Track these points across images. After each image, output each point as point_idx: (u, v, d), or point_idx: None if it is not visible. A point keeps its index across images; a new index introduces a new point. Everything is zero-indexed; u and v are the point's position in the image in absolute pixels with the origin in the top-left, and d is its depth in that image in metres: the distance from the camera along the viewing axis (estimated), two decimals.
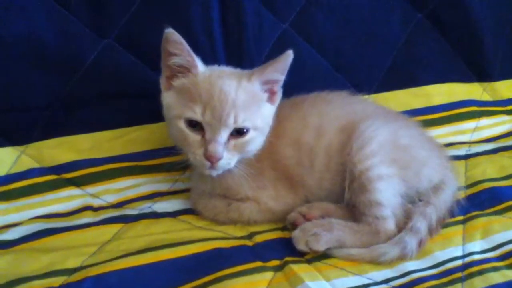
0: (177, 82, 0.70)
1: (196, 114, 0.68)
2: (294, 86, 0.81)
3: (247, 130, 0.70)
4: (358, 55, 1.01)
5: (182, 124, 0.69)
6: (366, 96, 0.89)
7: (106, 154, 0.84)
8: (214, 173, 0.70)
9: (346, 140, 0.76)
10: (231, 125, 0.68)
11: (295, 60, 0.94)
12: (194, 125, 0.69)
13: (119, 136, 0.85)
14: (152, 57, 0.84)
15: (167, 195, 0.82)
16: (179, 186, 0.84)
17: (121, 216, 0.77)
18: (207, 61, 0.77)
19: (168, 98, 0.71)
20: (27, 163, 0.80)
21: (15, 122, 0.81)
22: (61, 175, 0.81)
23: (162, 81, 0.72)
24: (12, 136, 0.80)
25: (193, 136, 0.70)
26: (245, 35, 0.90)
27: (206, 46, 0.88)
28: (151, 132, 0.85)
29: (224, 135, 0.69)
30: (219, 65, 0.77)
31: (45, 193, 0.79)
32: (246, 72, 0.71)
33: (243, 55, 0.91)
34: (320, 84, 0.86)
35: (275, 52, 0.92)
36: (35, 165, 0.80)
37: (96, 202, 0.80)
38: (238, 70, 0.74)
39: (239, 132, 0.70)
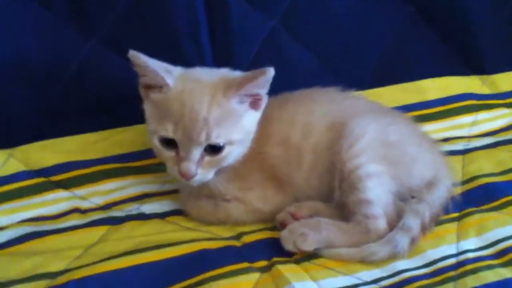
0: (152, 95, 0.69)
1: (168, 132, 0.67)
2: (283, 85, 0.79)
3: (222, 147, 0.68)
4: (349, 50, 0.99)
5: (156, 141, 0.69)
6: (358, 93, 0.87)
7: (93, 156, 0.83)
8: (193, 184, 0.70)
9: (335, 138, 0.75)
10: (203, 142, 0.67)
11: (284, 58, 0.95)
12: (168, 142, 0.68)
13: (106, 138, 0.84)
14: None
15: (155, 196, 0.81)
16: (168, 187, 0.83)
17: (108, 218, 0.76)
18: (193, 63, 0.76)
19: (146, 108, 0.71)
20: (14, 166, 0.80)
21: (3, 126, 0.80)
22: (49, 178, 0.80)
23: (141, 90, 0.71)
24: (0, 140, 0.80)
25: (167, 153, 0.69)
26: (232, 34, 0.89)
27: (192, 48, 0.87)
28: (138, 133, 0.84)
29: (196, 153, 0.67)
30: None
31: (33, 195, 0.78)
32: (223, 83, 0.68)
33: (231, 55, 0.90)
34: (310, 81, 0.84)
35: (264, 51, 0.92)
36: (23, 168, 0.80)
37: (84, 205, 0.79)
38: (220, 73, 0.72)
39: (213, 149, 0.68)
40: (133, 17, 0.83)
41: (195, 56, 0.86)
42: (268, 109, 0.75)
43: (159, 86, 0.68)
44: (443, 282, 0.66)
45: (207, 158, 0.68)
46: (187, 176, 0.67)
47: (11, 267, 0.66)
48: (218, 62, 0.86)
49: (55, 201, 0.78)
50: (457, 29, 1.04)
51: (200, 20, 0.86)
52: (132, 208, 0.79)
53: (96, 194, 0.81)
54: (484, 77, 1.08)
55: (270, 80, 0.68)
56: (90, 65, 0.82)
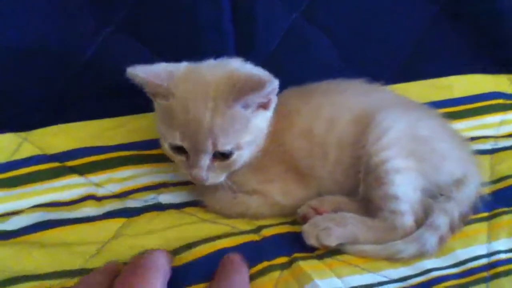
0: (158, 102, 0.68)
1: (176, 140, 0.66)
2: (306, 76, 0.78)
3: (231, 153, 0.67)
4: (374, 44, 0.96)
5: (167, 146, 0.68)
6: (384, 86, 0.84)
7: (108, 143, 0.81)
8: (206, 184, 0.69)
9: (361, 131, 0.72)
10: (210, 150, 0.65)
11: (305, 52, 0.92)
12: (178, 147, 0.67)
13: (121, 125, 0.83)
14: (157, 43, 0.82)
15: (172, 186, 0.78)
16: (184, 176, 0.78)
17: (125, 209, 0.74)
18: (214, 50, 0.74)
19: (156, 109, 0.70)
20: (29, 150, 0.78)
21: (16, 109, 0.79)
22: (64, 163, 0.78)
23: (148, 94, 0.69)
24: (13, 123, 0.78)
25: (178, 158, 0.68)
26: (256, 25, 0.87)
27: (214, 37, 0.84)
28: (151, 121, 0.81)
29: (205, 160, 0.66)
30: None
31: (47, 180, 0.76)
32: (225, 88, 0.65)
33: (253, 46, 0.87)
34: (333, 74, 0.82)
35: (285, 42, 0.90)
36: (37, 152, 0.78)
37: (99, 192, 0.76)
38: (228, 69, 0.68)
39: (223, 155, 0.67)
40: (152, 2, 0.81)
41: (216, 44, 0.84)
42: (291, 100, 0.73)
43: (162, 94, 0.67)
44: (475, 282, 0.63)
45: (217, 163, 0.67)
46: (198, 181, 0.67)
47: (22, 260, 0.63)
48: (239, 51, 0.84)
49: (70, 187, 0.76)
50: (487, 25, 1.01)
51: (224, 7, 0.84)
52: (149, 198, 0.76)
53: (112, 181, 0.78)
54: None
55: (276, 90, 0.66)
56: (107, 50, 0.80)
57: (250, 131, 0.68)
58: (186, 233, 0.68)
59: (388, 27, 0.97)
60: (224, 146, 0.65)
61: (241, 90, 0.65)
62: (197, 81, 0.67)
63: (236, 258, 0.59)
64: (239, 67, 0.70)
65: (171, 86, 0.65)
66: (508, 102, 1.02)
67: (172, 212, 0.73)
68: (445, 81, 1.00)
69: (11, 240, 0.67)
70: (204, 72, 0.68)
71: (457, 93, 1.00)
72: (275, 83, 0.65)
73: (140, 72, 0.65)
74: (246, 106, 0.66)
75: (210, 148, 0.65)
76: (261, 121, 0.70)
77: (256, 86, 0.65)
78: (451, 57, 1.02)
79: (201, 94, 0.65)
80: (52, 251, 0.64)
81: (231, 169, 0.69)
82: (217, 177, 0.69)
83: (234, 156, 0.67)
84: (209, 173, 0.67)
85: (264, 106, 0.69)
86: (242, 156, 0.68)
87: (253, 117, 0.68)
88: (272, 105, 0.70)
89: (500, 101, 1.01)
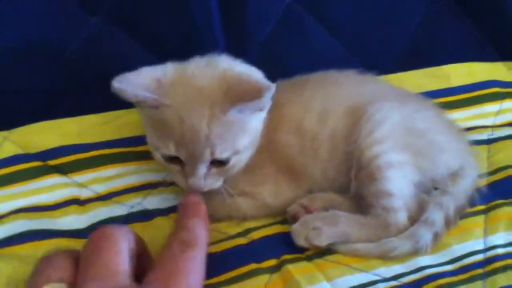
0: (147, 111, 0.64)
1: (171, 150, 0.63)
2: (302, 66, 0.76)
3: (228, 159, 0.64)
4: (372, 33, 0.94)
5: (159, 157, 0.65)
6: (380, 77, 0.82)
7: (94, 139, 0.78)
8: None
9: (353, 125, 0.70)
10: (207, 159, 0.63)
11: (301, 39, 0.89)
12: (172, 157, 0.64)
13: (109, 121, 0.80)
14: (146, 36, 0.80)
15: (159, 187, 0.76)
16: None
17: (110, 219, 0.71)
18: (204, 42, 0.72)
19: (142, 117, 0.66)
20: (10, 149, 0.75)
21: (1, 107, 0.76)
22: (46, 162, 0.75)
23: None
24: None
25: (173, 167, 0.65)
26: (247, 9, 0.84)
27: (204, 25, 0.82)
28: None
29: (202, 168, 0.63)
30: (215, 48, 0.70)
31: (29, 180, 0.73)
32: (220, 93, 0.62)
33: (244, 34, 0.85)
34: (331, 63, 0.79)
35: (278, 30, 0.87)
36: (19, 151, 0.75)
37: (83, 193, 0.73)
38: (218, 70, 0.65)
39: (220, 162, 0.64)
40: None
41: (205, 31, 0.82)
42: (281, 93, 0.69)
43: (154, 105, 0.63)
44: (471, 279, 0.61)
45: (215, 169, 0.65)
46: (195, 190, 0.64)
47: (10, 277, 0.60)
48: (229, 38, 0.82)
49: (52, 187, 0.73)
50: (485, 12, 0.99)
51: None
52: (134, 203, 0.73)
53: (96, 181, 0.75)
54: (510, 63, 1.03)
55: (272, 94, 0.62)
56: (94, 42, 0.78)
57: (247, 134, 0.65)
58: None
59: (386, 15, 0.95)
60: (222, 154, 0.63)
61: (237, 98, 0.62)
62: (189, 88, 0.63)
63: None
64: (230, 67, 0.66)
65: (162, 97, 0.62)
66: (505, 90, 0.99)
67: (159, 220, 0.71)
68: (443, 70, 0.98)
69: None
70: (194, 75, 0.64)
71: (455, 82, 0.98)
72: (272, 89, 0.61)
73: (128, 87, 0.60)
74: (241, 111, 0.63)
75: (208, 157, 0.62)
76: (257, 122, 0.67)
77: (253, 94, 0.61)
78: (449, 45, 1.00)
79: (194, 101, 0.62)
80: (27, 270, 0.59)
81: (229, 174, 0.67)
82: (214, 183, 0.66)
83: (232, 162, 0.65)
84: (206, 180, 0.64)
85: (259, 108, 0.66)
86: (241, 160, 0.66)
87: (249, 120, 0.65)
88: (267, 107, 0.67)
89: (497, 89, 0.99)
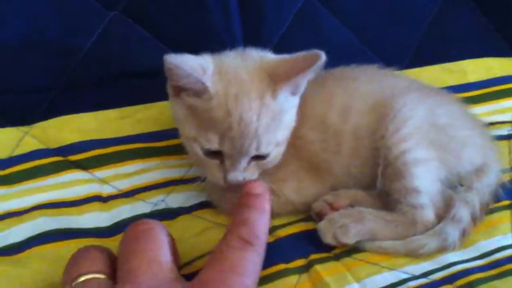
0: (187, 99, 0.61)
1: (213, 144, 0.60)
2: None
3: (269, 153, 0.62)
4: (388, 28, 0.93)
5: (198, 150, 0.62)
6: (398, 72, 0.82)
7: (114, 135, 0.77)
8: None
9: (377, 121, 0.69)
10: (252, 153, 0.61)
11: (317, 34, 0.88)
12: (212, 152, 0.61)
13: (129, 115, 0.78)
14: (163, 30, 0.79)
15: (181, 184, 0.75)
16: (194, 171, 0.76)
17: (134, 217, 0.69)
18: (222, 38, 0.72)
19: (177, 108, 0.63)
20: (31, 144, 0.73)
21: (18, 102, 0.75)
22: (67, 157, 0.74)
23: (169, 87, 0.63)
24: (14, 117, 0.74)
25: (211, 162, 0.62)
26: (264, 8, 0.83)
27: (221, 21, 0.81)
28: (161, 111, 0.78)
29: (244, 162, 0.61)
30: (233, 45, 0.69)
31: (49, 176, 0.72)
32: (267, 79, 0.60)
33: (261, 28, 0.84)
34: (346, 60, 0.78)
35: (295, 25, 0.86)
36: (40, 146, 0.74)
37: (105, 190, 0.72)
38: (254, 60, 0.63)
39: (260, 155, 0.62)
40: None
41: (223, 28, 0.80)
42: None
43: (196, 91, 0.60)
44: (503, 275, 0.60)
45: (254, 163, 0.63)
46: (233, 184, 0.62)
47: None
48: (247, 36, 0.81)
49: (73, 183, 0.72)
50: (501, 7, 0.98)
51: None
52: (158, 200, 0.72)
53: (118, 177, 0.74)
54: None
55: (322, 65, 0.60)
56: (111, 36, 0.76)
57: (286, 126, 0.64)
58: (199, 242, 0.64)
59: (401, 9, 0.94)
60: (267, 148, 0.61)
61: (291, 72, 0.59)
62: (233, 79, 0.60)
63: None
64: (263, 55, 0.65)
65: (207, 83, 0.59)
66: None
67: (183, 219, 0.70)
68: (459, 65, 0.97)
69: (16, 257, 0.62)
70: (234, 67, 0.62)
71: (472, 78, 0.97)
72: (324, 56, 0.59)
73: (181, 63, 0.57)
74: (286, 93, 0.61)
75: (253, 151, 0.60)
76: (293, 111, 0.65)
77: (309, 61, 0.59)
78: (464, 40, 0.99)
79: (241, 93, 0.59)
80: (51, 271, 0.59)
81: (267, 167, 0.65)
82: (250, 177, 0.63)
83: (273, 155, 0.63)
84: (245, 174, 0.62)
85: (294, 90, 0.64)
86: (279, 153, 0.65)
87: (289, 107, 0.63)
88: (302, 91, 0.65)
89: None
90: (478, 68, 0.98)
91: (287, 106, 0.63)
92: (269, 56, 0.65)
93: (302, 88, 0.64)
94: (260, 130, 0.59)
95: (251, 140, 0.59)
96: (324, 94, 0.71)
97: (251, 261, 0.50)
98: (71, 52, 0.76)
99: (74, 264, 0.50)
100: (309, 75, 0.61)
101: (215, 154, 0.62)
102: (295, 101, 0.65)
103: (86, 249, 0.52)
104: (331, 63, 0.75)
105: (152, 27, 0.79)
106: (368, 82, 0.73)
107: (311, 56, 0.59)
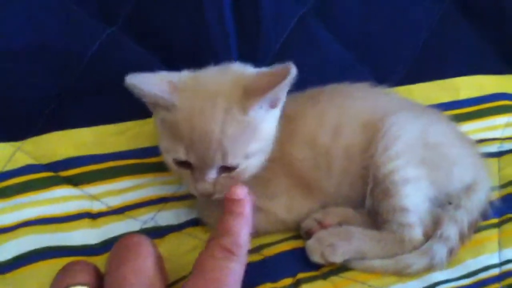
0: (160, 113, 0.63)
1: (181, 155, 0.61)
2: (313, 76, 0.74)
3: (238, 164, 0.62)
4: (382, 45, 0.94)
5: (170, 160, 0.63)
6: (390, 89, 0.83)
7: (107, 151, 0.76)
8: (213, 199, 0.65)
9: (368, 139, 0.69)
10: (218, 164, 0.61)
11: (314, 48, 0.89)
12: (182, 162, 0.62)
13: (123, 131, 0.78)
14: (160, 47, 0.79)
15: (172, 201, 0.75)
16: (186, 189, 0.73)
17: (123, 235, 0.69)
18: (218, 52, 0.73)
19: (156, 122, 0.65)
20: (22, 159, 0.73)
21: (12, 116, 0.74)
22: (58, 173, 0.73)
23: (148, 105, 0.65)
24: (8, 132, 0.74)
25: (182, 171, 0.64)
26: (261, 22, 0.83)
27: (217, 37, 0.80)
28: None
29: (211, 173, 0.62)
30: (228, 58, 0.70)
31: (39, 191, 0.71)
32: (238, 91, 0.61)
33: (257, 45, 0.84)
34: (342, 73, 0.80)
35: (292, 40, 0.86)
36: (31, 161, 0.73)
37: (95, 206, 0.72)
38: (232, 73, 0.65)
39: (229, 167, 0.62)
40: (154, 4, 0.78)
41: (220, 42, 0.80)
42: (293, 106, 0.69)
43: (165, 106, 0.62)
44: None
45: (224, 175, 0.63)
46: (204, 195, 0.63)
47: None
48: (243, 50, 0.81)
49: (63, 198, 0.71)
50: (493, 24, 0.99)
51: (225, 5, 0.80)
52: (147, 218, 0.72)
53: (109, 193, 0.74)
54: None
55: (293, 77, 0.61)
56: (108, 52, 0.76)
57: (260, 137, 0.63)
58: (188, 261, 0.60)
59: (395, 28, 0.95)
60: (234, 160, 0.61)
61: (264, 87, 0.60)
62: (201, 91, 0.62)
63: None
64: (244, 70, 0.66)
65: (173, 98, 0.61)
66: None
67: (173, 236, 0.69)
68: (451, 82, 0.98)
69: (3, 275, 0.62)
70: (207, 80, 0.64)
71: (463, 95, 0.98)
72: (294, 68, 0.60)
73: (139, 83, 0.60)
74: (260, 107, 0.62)
75: (218, 162, 0.61)
76: (271, 123, 0.65)
77: (280, 75, 0.60)
78: (457, 58, 0.99)
79: (207, 105, 0.61)
80: None
81: (239, 180, 0.64)
82: (224, 190, 0.63)
83: (242, 167, 0.63)
84: (216, 186, 0.63)
85: (273, 104, 0.64)
86: (251, 166, 0.64)
87: (263, 120, 0.63)
88: (281, 104, 0.65)
89: (506, 102, 0.99)
90: (471, 85, 0.98)
91: (262, 119, 0.62)
92: (249, 70, 0.66)
93: (281, 100, 0.64)
94: (225, 142, 0.60)
95: (214, 151, 0.60)
96: (315, 112, 0.72)
97: (234, 272, 0.51)
98: (69, 66, 0.76)
99: (62, 275, 0.51)
100: (283, 88, 0.62)
101: (186, 165, 0.62)
102: (274, 112, 0.65)
103: (75, 262, 0.53)
104: (326, 78, 0.77)
105: (149, 43, 0.79)
106: (360, 100, 0.74)
107: (282, 70, 0.60)
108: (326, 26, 0.90)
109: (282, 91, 0.62)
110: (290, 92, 0.73)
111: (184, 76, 0.64)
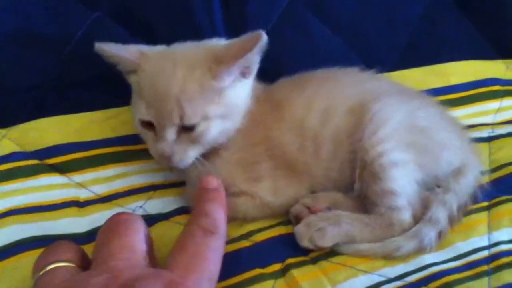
0: (131, 78, 0.69)
1: (142, 113, 0.65)
2: (304, 63, 0.75)
3: (195, 124, 0.64)
4: (373, 30, 0.94)
5: (136, 121, 0.67)
6: (381, 74, 0.82)
7: (94, 137, 0.77)
8: (175, 168, 0.67)
9: (356, 123, 0.70)
10: (176, 122, 0.63)
11: (302, 36, 0.89)
12: (146, 123, 0.66)
13: (111, 117, 0.79)
14: (146, 31, 0.79)
15: (161, 189, 0.74)
16: (174, 176, 0.76)
17: None
18: (204, 33, 0.74)
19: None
20: (8, 147, 0.73)
21: (0, 104, 0.75)
22: (44, 160, 0.73)
23: (125, 76, 0.70)
24: None
25: (147, 134, 0.67)
26: (247, 8, 0.84)
27: (204, 21, 0.82)
28: None
29: (171, 132, 0.64)
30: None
31: (25, 178, 0.71)
32: (208, 58, 0.65)
33: (245, 31, 0.84)
34: (333, 59, 0.79)
35: (279, 27, 0.86)
36: (17, 149, 0.73)
37: (82, 194, 0.72)
38: (207, 45, 0.69)
39: (189, 127, 0.64)
40: None
41: (207, 30, 0.81)
42: (281, 91, 0.70)
43: (135, 70, 0.66)
44: (477, 276, 0.60)
45: (184, 135, 0.65)
46: (163, 156, 0.65)
47: None
48: (230, 36, 0.80)
49: (49, 187, 0.71)
50: (484, 10, 1.00)
51: None
52: (135, 207, 0.71)
53: (96, 181, 0.73)
54: (509, 61, 1.02)
55: (264, 46, 0.64)
56: (94, 37, 0.74)
57: (223, 102, 0.66)
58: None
59: (387, 12, 0.95)
60: (192, 119, 0.63)
61: (234, 55, 0.63)
62: (168, 55, 0.67)
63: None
64: (219, 42, 0.70)
65: (140, 61, 0.66)
66: (504, 88, 0.99)
67: (161, 225, 0.69)
68: (443, 67, 0.98)
69: None
70: (179, 48, 0.69)
71: (454, 80, 0.98)
72: (264, 35, 0.63)
73: (107, 47, 0.65)
74: (230, 75, 0.65)
75: (176, 120, 0.63)
76: (239, 91, 0.67)
77: (250, 42, 0.63)
78: (449, 43, 1.00)
79: (170, 65, 0.65)
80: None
81: (200, 143, 0.66)
82: (183, 153, 0.66)
83: (201, 128, 0.65)
84: (174, 147, 0.65)
85: (244, 73, 0.67)
86: (211, 130, 0.66)
87: (231, 87, 0.66)
88: (253, 72, 0.68)
89: (497, 87, 0.99)
90: (462, 71, 0.99)
91: (230, 85, 0.66)
92: (223, 42, 0.69)
93: (253, 69, 0.67)
94: (183, 100, 0.62)
95: (171, 108, 0.62)
96: (304, 97, 0.72)
97: (214, 248, 0.52)
98: (55, 52, 0.76)
99: (46, 253, 0.51)
100: (254, 56, 0.64)
101: (150, 126, 0.65)
102: (245, 83, 0.68)
103: (59, 242, 0.53)
104: (315, 64, 0.77)
105: (136, 29, 0.80)
106: (349, 85, 0.74)
107: (252, 38, 0.63)
108: (314, 12, 0.89)
109: (253, 58, 0.65)
110: (279, 77, 0.74)
111: (158, 47, 0.69)
